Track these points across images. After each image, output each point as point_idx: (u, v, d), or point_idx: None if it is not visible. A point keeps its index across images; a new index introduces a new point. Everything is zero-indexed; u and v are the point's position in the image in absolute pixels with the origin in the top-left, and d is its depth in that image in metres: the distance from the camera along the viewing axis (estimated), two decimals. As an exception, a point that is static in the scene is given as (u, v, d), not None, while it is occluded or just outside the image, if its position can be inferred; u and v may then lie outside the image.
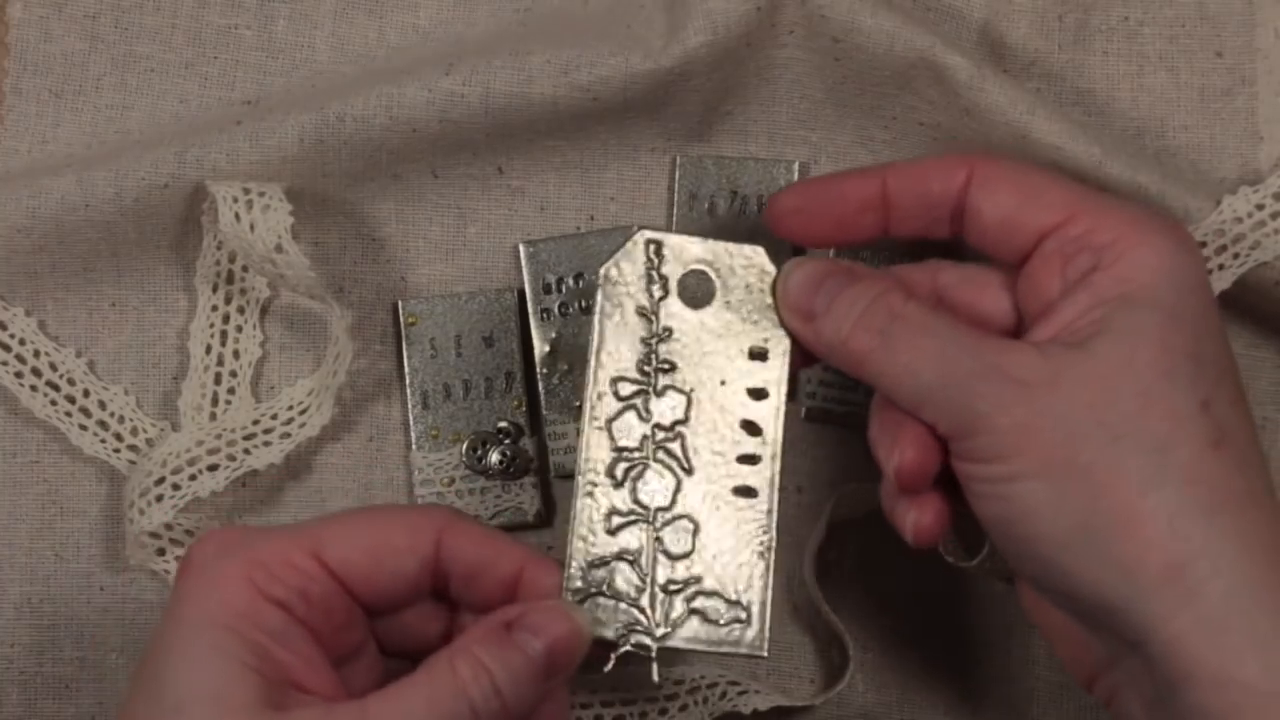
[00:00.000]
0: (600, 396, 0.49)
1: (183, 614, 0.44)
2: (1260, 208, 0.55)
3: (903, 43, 0.54)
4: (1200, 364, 0.44)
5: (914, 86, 0.56)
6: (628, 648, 0.49)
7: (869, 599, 0.58)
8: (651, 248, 0.50)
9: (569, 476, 0.56)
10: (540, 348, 0.57)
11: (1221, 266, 0.54)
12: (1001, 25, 0.58)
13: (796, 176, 0.58)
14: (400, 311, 0.57)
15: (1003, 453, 0.44)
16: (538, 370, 0.57)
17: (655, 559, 0.49)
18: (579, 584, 0.48)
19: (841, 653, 0.57)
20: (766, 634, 0.49)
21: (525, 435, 0.57)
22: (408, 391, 0.57)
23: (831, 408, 0.57)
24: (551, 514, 0.58)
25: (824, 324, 0.48)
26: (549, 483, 0.58)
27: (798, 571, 0.57)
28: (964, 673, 0.58)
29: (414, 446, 0.57)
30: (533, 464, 0.57)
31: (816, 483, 0.58)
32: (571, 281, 0.57)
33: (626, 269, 0.50)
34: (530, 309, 0.57)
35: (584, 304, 0.57)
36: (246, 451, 0.55)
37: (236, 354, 0.57)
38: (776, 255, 0.50)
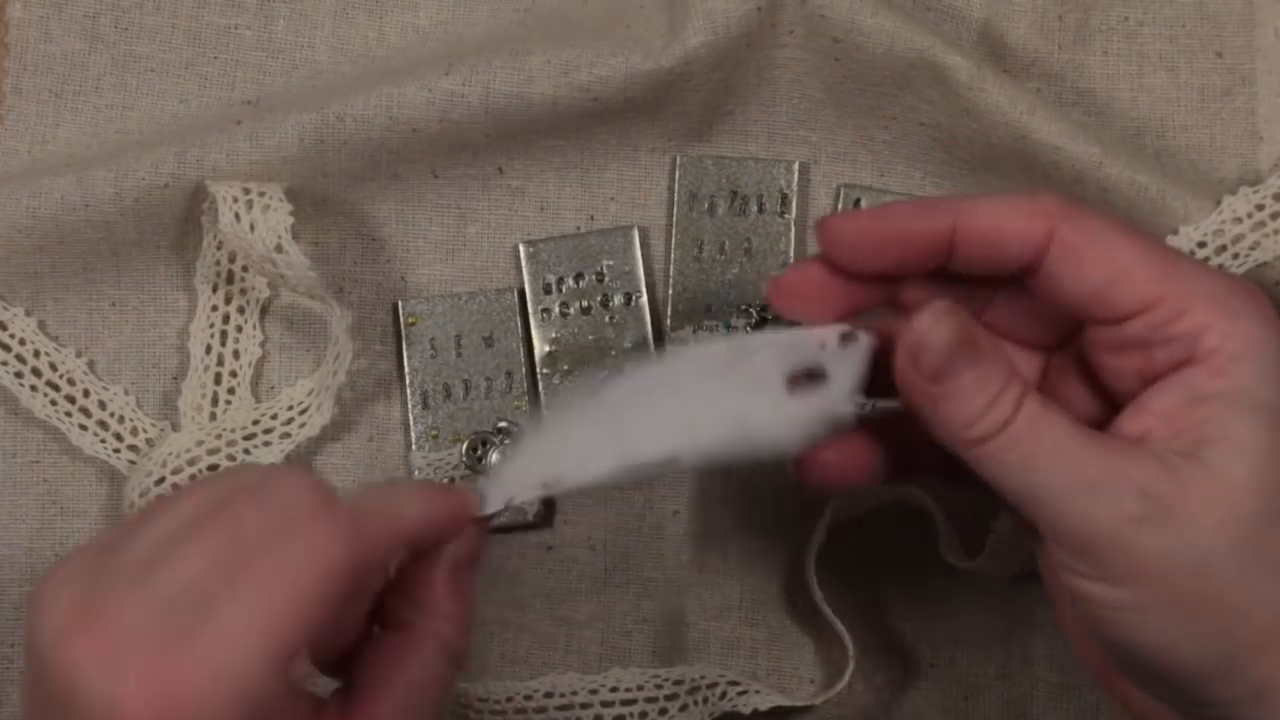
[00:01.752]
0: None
1: None
2: (1260, 208, 0.55)
3: (903, 43, 0.54)
4: None
5: (914, 86, 0.56)
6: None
7: (869, 599, 0.58)
8: None
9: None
10: (540, 348, 0.57)
11: (1221, 267, 0.54)
12: (1001, 25, 0.58)
13: (796, 177, 0.58)
14: (400, 311, 0.57)
15: (1133, 576, 0.42)
16: (538, 370, 0.57)
17: None
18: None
19: (841, 653, 0.57)
20: None
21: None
22: (408, 391, 0.57)
23: (831, 408, 0.57)
24: (552, 514, 0.58)
25: (947, 401, 0.44)
26: (549, 483, 0.58)
27: (798, 571, 0.57)
28: (964, 672, 0.58)
29: (414, 446, 0.57)
30: (533, 464, 0.57)
31: (816, 483, 0.58)
32: (571, 281, 0.57)
33: None
34: (530, 309, 0.57)
35: (584, 304, 0.57)
36: (246, 451, 0.55)
37: (236, 354, 0.57)
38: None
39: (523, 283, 0.58)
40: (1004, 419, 0.43)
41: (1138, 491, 0.42)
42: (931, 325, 0.43)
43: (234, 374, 0.57)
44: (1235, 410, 0.43)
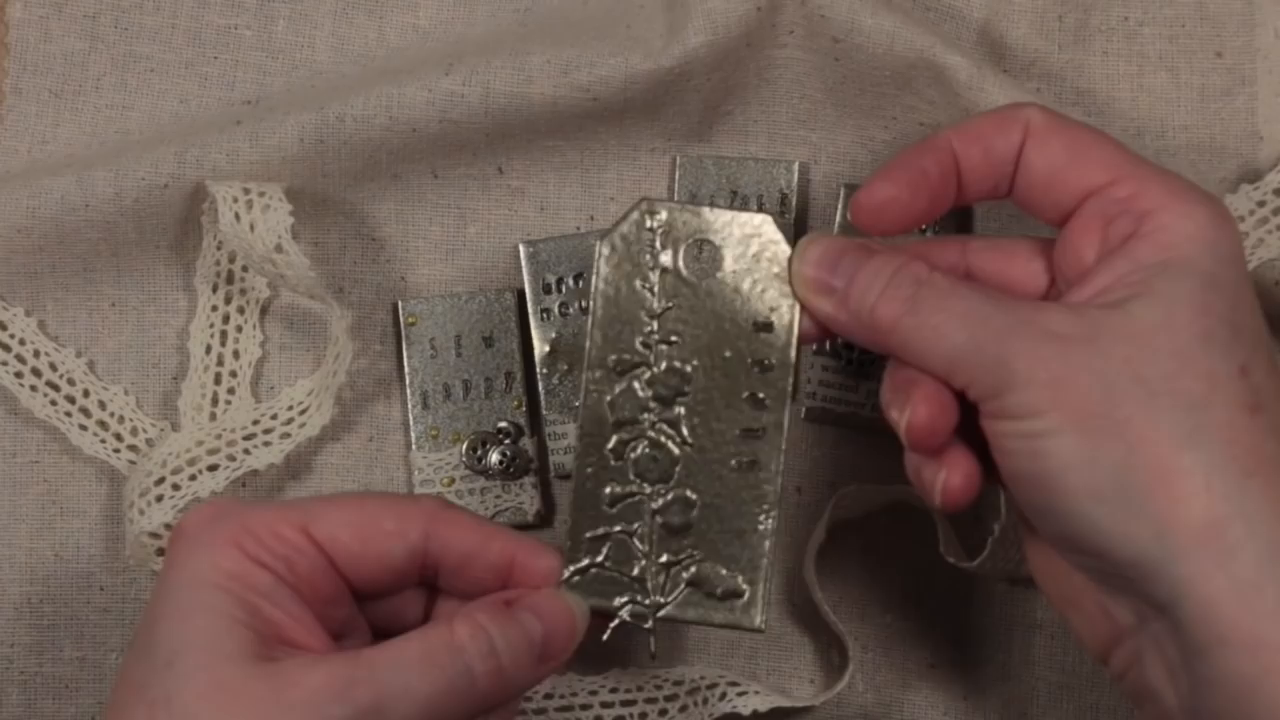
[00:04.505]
0: (600, 370, 0.49)
1: (173, 577, 0.45)
2: (1261, 204, 0.55)
3: (903, 43, 0.54)
4: (1238, 330, 0.44)
5: (914, 86, 0.56)
6: (625, 618, 0.49)
7: (869, 599, 0.58)
8: (655, 216, 0.49)
9: (569, 476, 0.56)
10: (540, 348, 0.57)
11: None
12: (1001, 25, 0.58)
13: (796, 177, 0.58)
14: (400, 311, 0.57)
15: (1037, 408, 0.43)
16: (538, 370, 0.57)
17: (655, 532, 0.49)
18: (579, 557, 0.49)
19: (841, 653, 0.57)
20: (764, 608, 0.49)
21: (525, 435, 0.57)
22: (408, 391, 0.57)
23: (831, 408, 0.57)
24: (551, 514, 0.58)
25: (849, 297, 0.47)
26: (549, 483, 0.58)
27: (798, 571, 0.57)
28: (964, 673, 0.58)
29: (414, 446, 0.57)
30: (533, 464, 0.57)
31: (816, 483, 0.58)
32: (571, 281, 0.57)
33: (629, 238, 0.49)
34: (530, 309, 0.57)
35: (584, 304, 0.57)
36: (246, 451, 0.55)
37: (236, 354, 0.57)
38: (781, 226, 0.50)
39: (523, 283, 0.58)
40: (907, 295, 0.45)
41: (1044, 332, 0.44)
42: (803, 247, 0.48)
43: (234, 374, 0.57)
44: (1167, 272, 0.44)
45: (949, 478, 0.47)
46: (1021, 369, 0.43)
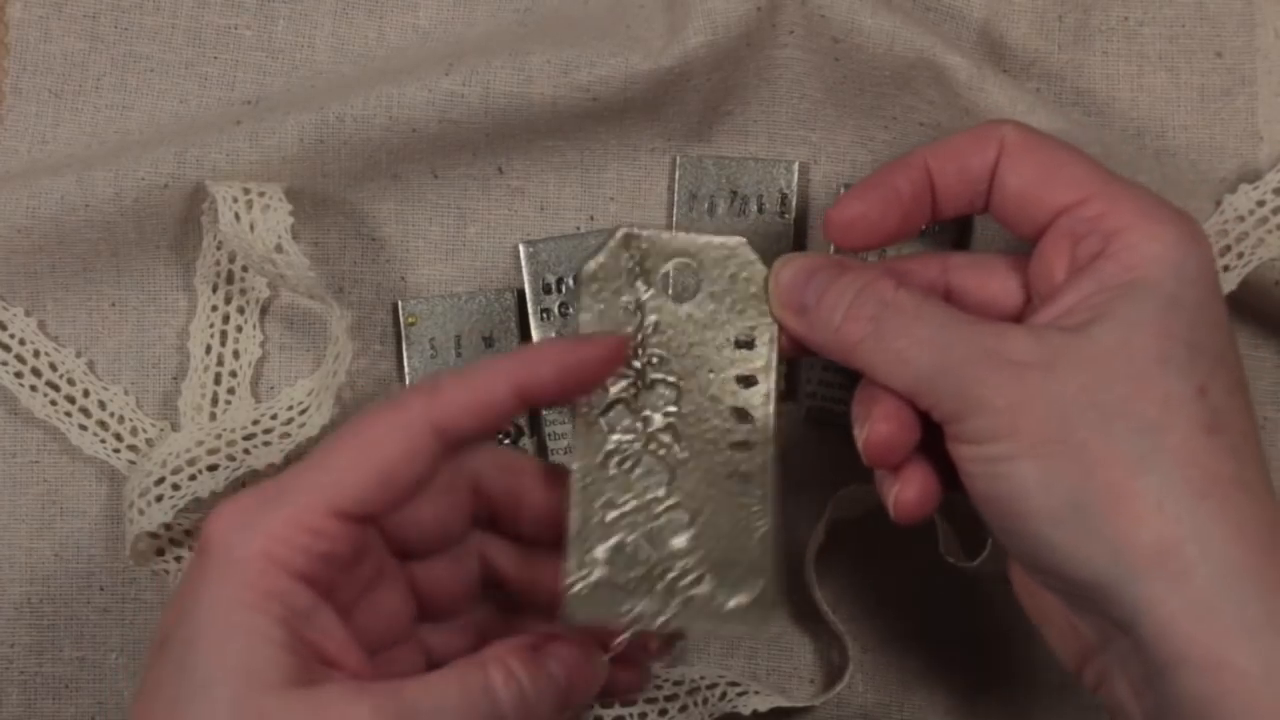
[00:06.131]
0: (590, 393, 0.50)
1: (206, 595, 0.44)
2: (1261, 204, 0.55)
3: (903, 43, 0.54)
4: (1197, 351, 0.44)
5: (914, 86, 0.56)
6: (633, 635, 0.49)
7: (869, 599, 0.58)
8: (633, 244, 0.50)
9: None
10: (540, 348, 0.57)
11: (1227, 268, 0.54)
12: (1001, 25, 0.58)
13: (796, 177, 0.58)
14: (400, 311, 0.57)
15: (997, 433, 0.44)
16: (538, 370, 0.57)
17: (656, 543, 0.49)
18: (580, 576, 0.49)
19: (841, 653, 0.57)
20: (772, 611, 0.49)
21: (525, 435, 0.57)
22: (408, 391, 0.57)
23: (831, 407, 0.57)
24: (551, 514, 0.58)
25: (816, 316, 0.48)
26: (549, 483, 0.58)
27: (798, 572, 0.57)
28: (964, 673, 0.58)
29: (414, 446, 0.57)
30: (533, 464, 0.57)
31: (816, 483, 0.58)
32: (571, 281, 0.57)
33: (609, 266, 0.50)
34: (530, 309, 0.57)
35: (584, 304, 0.57)
36: (246, 451, 0.55)
37: (236, 354, 0.57)
38: (759, 249, 0.50)
39: (523, 283, 0.58)
40: (871, 315, 0.46)
41: (1003, 359, 0.44)
42: (779, 267, 0.49)
43: (234, 374, 0.57)
44: (1129, 294, 0.45)
45: (902, 491, 0.48)
46: (981, 395, 0.44)
